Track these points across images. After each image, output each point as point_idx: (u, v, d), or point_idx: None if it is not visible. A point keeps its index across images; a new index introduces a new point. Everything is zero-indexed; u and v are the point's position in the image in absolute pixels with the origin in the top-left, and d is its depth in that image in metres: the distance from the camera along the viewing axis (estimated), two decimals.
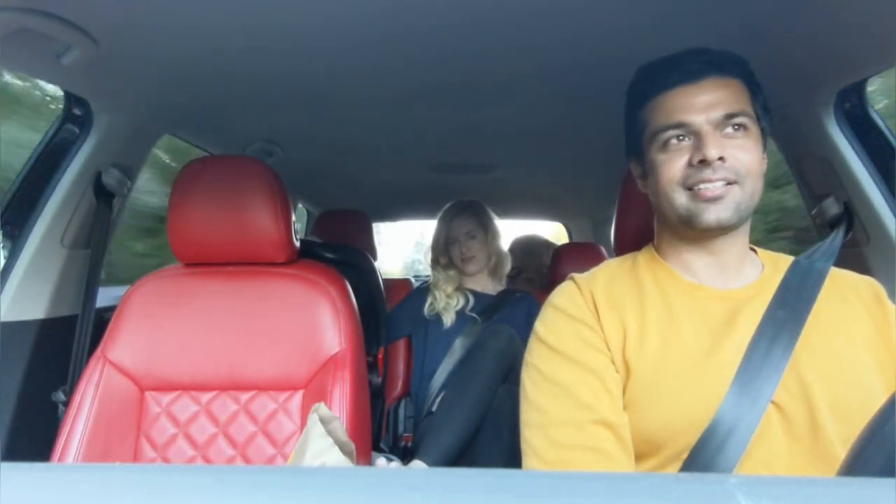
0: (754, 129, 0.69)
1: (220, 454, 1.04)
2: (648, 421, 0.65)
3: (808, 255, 0.75)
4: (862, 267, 1.10)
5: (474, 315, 1.73)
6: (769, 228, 3.27)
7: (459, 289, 1.80)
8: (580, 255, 1.98)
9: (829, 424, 0.62)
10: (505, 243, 1.92)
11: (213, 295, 1.10)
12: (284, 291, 1.10)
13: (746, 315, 0.67)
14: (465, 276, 1.82)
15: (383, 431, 1.75)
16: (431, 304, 1.78)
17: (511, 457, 1.26)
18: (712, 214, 0.66)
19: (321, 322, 1.07)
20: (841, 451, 0.60)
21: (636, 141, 0.75)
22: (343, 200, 2.54)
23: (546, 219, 3.27)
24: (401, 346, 1.87)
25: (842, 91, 1.08)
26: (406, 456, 1.61)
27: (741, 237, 0.72)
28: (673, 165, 0.68)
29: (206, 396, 1.06)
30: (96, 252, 1.27)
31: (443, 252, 1.83)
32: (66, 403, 1.07)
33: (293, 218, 1.15)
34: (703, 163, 0.66)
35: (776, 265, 0.73)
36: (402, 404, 1.80)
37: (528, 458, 0.68)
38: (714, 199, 0.66)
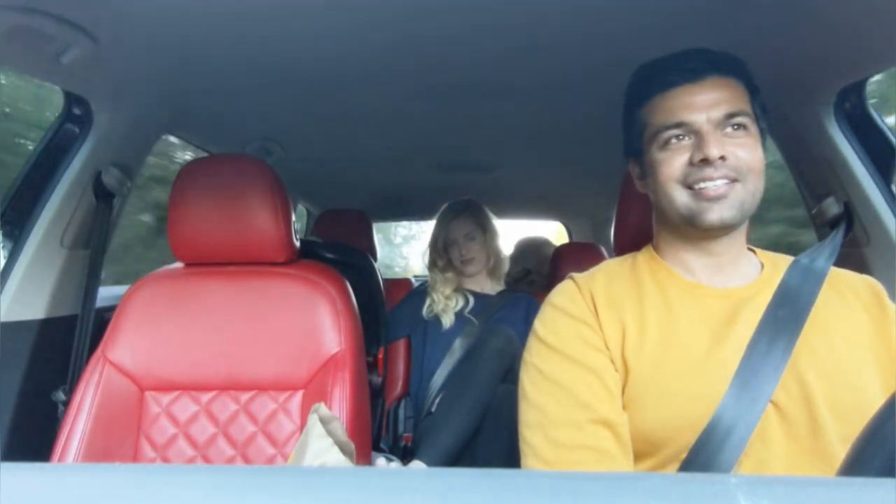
0: (754, 128, 0.69)
1: (220, 454, 1.04)
2: (647, 420, 0.65)
3: (807, 255, 0.75)
4: (862, 267, 1.10)
5: (472, 318, 1.73)
6: None
7: (458, 290, 1.80)
8: (580, 255, 1.97)
9: (829, 424, 0.62)
10: (504, 243, 1.92)
11: (213, 295, 1.10)
12: (284, 291, 1.10)
13: (746, 314, 0.67)
14: (464, 276, 1.82)
15: (383, 431, 1.75)
16: (430, 305, 1.77)
17: (510, 456, 1.26)
18: (715, 213, 0.66)
19: (321, 322, 1.07)
20: (840, 451, 0.60)
21: (635, 141, 0.75)
22: (343, 200, 2.54)
23: (546, 219, 3.27)
24: (401, 346, 1.87)
25: (842, 91, 1.07)
26: (406, 456, 1.61)
27: (739, 236, 0.72)
28: (673, 164, 0.68)
29: (206, 396, 1.06)
30: (96, 252, 1.26)
31: (441, 254, 1.83)
32: (66, 403, 1.07)
33: (293, 218, 1.15)
34: (705, 162, 0.66)
35: (776, 265, 0.73)
36: (402, 404, 1.80)
37: (527, 458, 0.68)
38: (717, 198, 0.66)
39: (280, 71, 1.17)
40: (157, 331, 1.07)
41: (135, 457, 1.03)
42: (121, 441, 1.02)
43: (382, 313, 1.76)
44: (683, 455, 0.63)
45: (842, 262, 0.76)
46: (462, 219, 1.80)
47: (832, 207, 1.15)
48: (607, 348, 0.69)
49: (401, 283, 2.25)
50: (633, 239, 0.88)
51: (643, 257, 0.78)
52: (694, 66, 0.69)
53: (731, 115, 0.67)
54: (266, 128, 1.61)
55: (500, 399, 1.36)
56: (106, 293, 1.35)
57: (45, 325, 1.19)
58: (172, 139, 1.59)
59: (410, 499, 0.23)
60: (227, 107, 1.38)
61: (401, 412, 1.79)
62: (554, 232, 3.64)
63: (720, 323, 0.68)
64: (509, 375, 1.42)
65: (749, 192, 0.67)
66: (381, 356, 1.71)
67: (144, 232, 3.32)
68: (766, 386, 0.62)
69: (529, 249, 2.50)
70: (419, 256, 2.00)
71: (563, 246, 2.24)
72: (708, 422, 0.62)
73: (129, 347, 1.06)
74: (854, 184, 1.11)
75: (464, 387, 1.38)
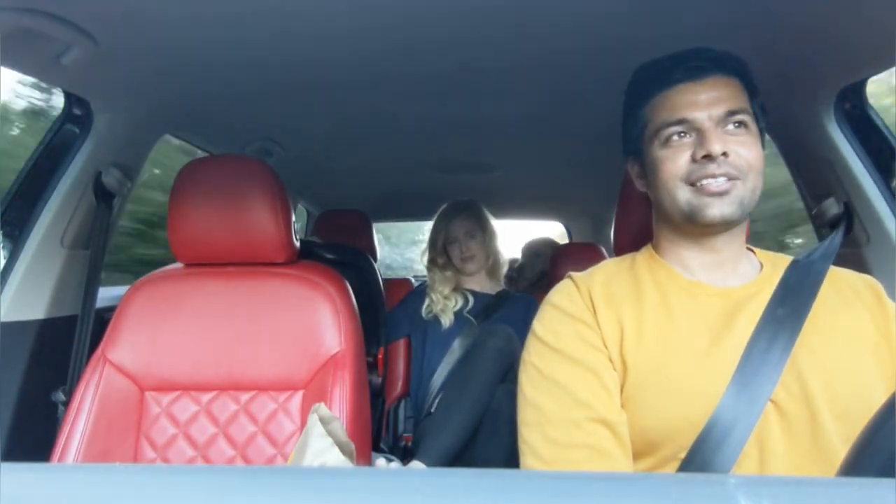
0: (754, 127, 0.69)
1: (220, 454, 1.04)
2: (646, 419, 0.65)
3: (807, 255, 0.75)
4: (862, 267, 1.10)
5: (471, 318, 1.73)
6: None
7: (457, 289, 1.80)
8: (580, 255, 1.97)
9: (829, 423, 0.62)
10: (503, 244, 1.92)
11: (212, 295, 1.10)
12: (284, 292, 1.10)
13: (746, 313, 0.67)
14: (463, 276, 1.82)
15: (383, 431, 1.75)
16: (429, 306, 1.78)
17: (510, 456, 1.26)
18: (716, 209, 0.66)
19: (321, 322, 1.07)
20: (840, 451, 0.60)
21: (636, 139, 0.75)
22: (343, 200, 2.54)
23: (546, 219, 3.27)
24: (401, 346, 1.87)
25: (842, 91, 1.07)
26: (406, 456, 1.61)
27: (739, 234, 0.72)
28: (676, 161, 0.69)
29: (206, 397, 1.06)
30: (96, 252, 1.27)
31: (440, 252, 1.83)
32: (66, 403, 1.07)
33: (293, 218, 1.15)
34: (707, 158, 0.66)
35: (775, 264, 0.73)
36: (402, 404, 1.80)
37: (525, 457, 0.68)
38: (718, 194, 0.66)
39: (280, 72, 1.17)
40: (157, 331, 1.07)
41: (135, 457, 1.03)
42: (121, 441, 1.02)
43: (382, 313, 1.76)
44: (682, 454, 0.63)
45: (842, 262, 0.76)
46: (463, 217, 1.81)
47: (832, 207, 1.15)
48: (606, 347, 0.69)
49: (401, 283, 2.26)
50: (633, 239, 0.88)
51: (642, 257, 0.78)
52: (696, 64, 0.69)
53: (732, 113, 0.67)
54: (266, 128, 1.61)
55: (499, 399, 1.36)
56: (106, 293, 1.35)
57: (45, 325, 1.19)
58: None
59: (410, 499, 0.23)
60: (227, 107, 1.38)
61: (401, 412, 1.79)
62: (557, 233, 3.64)
63: (719, 322, 0.68)
64: (509, 375, 1.42)
65: (749, 189, 0.67)
66: (381, 356, 1.71)
67: None
68: (765, 385, 0.62)
69: (545, 250, 2.48)
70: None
71: (563, 246, 2.24)
72: (707, 421, 0.62)
73: (129, 348, 1.06)
74: (854, 184, 1.11)
75: (463, 387, 1.38)
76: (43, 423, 1.15)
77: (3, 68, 0.95)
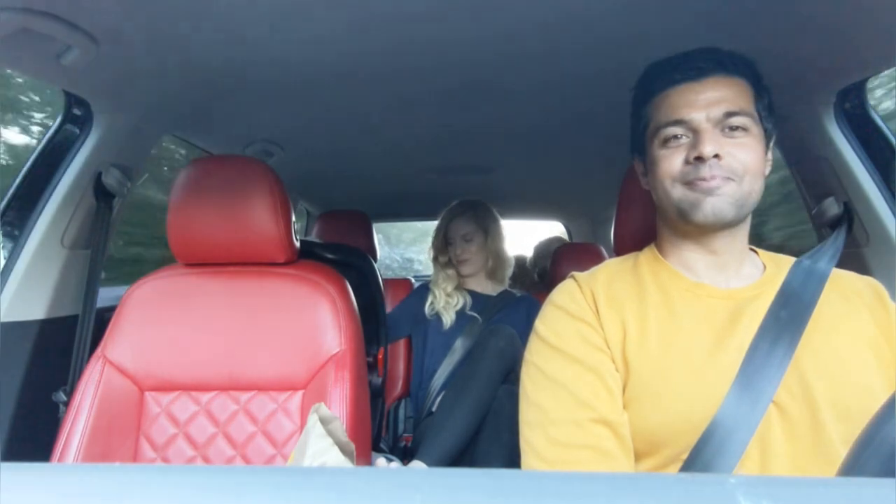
0: (755, 129, 0.69)
1: (219, 454, 1.04)
2: (648, 420, 0.65)
3: (810, 256, 0.75)
4: (862, 267, 1.10)
5: (474, 314, 1.73)
6: None
7: (459, 288, 1.80)
8: (580, 255, 1.98)
9: (831, 425, 0.62)
10: (508, 245, 1.91)
11: (212, 295, 1.10)
12: (284, 292, 1.10)
13: (748, 315, 0.67)
14: (462, 276, 1.82)
15: (383, 431, 1.75)
16: (432, 302, 1.78)
17: (511, 457, 1.26)
18: (708, 206, 0.66)
19: (321, 322, 1.07)
20: (842, 452, 0.60)
21: (640, 138, 0.75)
22: (343, 201, 2.54)
23: (546, 219, 3.27)
24: (401, 346, 1.87)
25: (842, 91, 1.08)
26: (406, 456, 1.61)
27: (740, 235, 0.72)
28: (671, 161, 0.69)
29: (205, 396, 1.06)
30: (96, 252, 1.27)
31: (442, 250, 1.83)
32: (67, 403, 1.07)
33: (293, 218, 1.15)
34: (699, 160, 0.66)
35: (778, 265, 0.73)
36: (402, 404, 1.80)
37: (527, 457, 0.68)
38: (709, 191, 0.66)
39: (280, 73, 1.17)
40: (157, 331, 1.07)
41: (135, 457, 1.03)
42: (121, 441, 1.02)
43: (382, 313, 1.76)
44: (685, 455, 0.63)
45: (842, 262, 0.76)
46: (462, 219, 1.80)
47: (832, 208, 1.15)
48: (608, 347, 0.69)
49: (401, 283, 2.26)
50: (633, 239, 0.88)
51: (645, 257, 0.78)
52: (699, 64, 0.69)
53: (730, 114, 0.67)
54: (266, 129, 1.61)
55: (500, 400, 1.36)
56: (106, 293, 1.35)
57: (46, 325, 1.19)
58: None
59: (410, 499, 0.23)
60: (227, 108, 1.38)
61: (401, 412, 1.79)
62: (556, 232, 3.64)
63: (722, 323, 0.68)
64: (510, 376, 1.42)
65: (745, 191, 0.67)
66: (381, 356, 1.71)
67: None
68: (768, 387, 0.62)
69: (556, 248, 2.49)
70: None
71: (563, 246, 2.24)
72: (709, 422, 0.62)
73: (129, 348, 1.06)
74: (854, 184, 1.11)
75: (464, 387, 1.38)
76: (43, 423, 1.15)
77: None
